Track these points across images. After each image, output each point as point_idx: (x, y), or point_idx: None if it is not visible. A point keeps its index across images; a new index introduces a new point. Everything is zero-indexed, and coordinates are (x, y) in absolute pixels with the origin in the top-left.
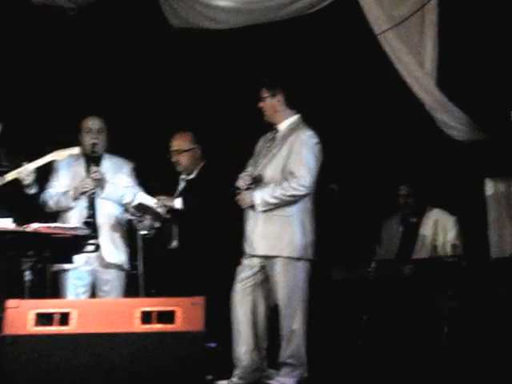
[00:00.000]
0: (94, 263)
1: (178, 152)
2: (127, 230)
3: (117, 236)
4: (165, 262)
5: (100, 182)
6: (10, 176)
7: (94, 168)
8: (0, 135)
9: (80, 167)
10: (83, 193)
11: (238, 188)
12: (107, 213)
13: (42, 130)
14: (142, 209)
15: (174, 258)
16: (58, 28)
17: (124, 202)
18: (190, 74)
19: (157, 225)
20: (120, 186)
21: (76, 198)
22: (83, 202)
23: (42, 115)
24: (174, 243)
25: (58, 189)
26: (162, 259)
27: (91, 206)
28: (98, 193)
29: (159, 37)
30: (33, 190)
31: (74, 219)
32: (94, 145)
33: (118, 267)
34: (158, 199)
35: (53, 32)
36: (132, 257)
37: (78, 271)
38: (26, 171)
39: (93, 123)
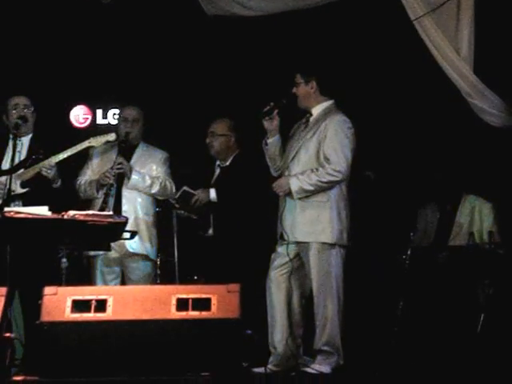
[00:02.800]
0: (120, 252)
1: (213, 135)
2: (156, 220)
3: (142, 226)
4: (201, 250)
5: (123, 175)
6: (31, 170)
7: (118, 159)
8: (36, 124)
9: (113, 155)
10: (103, 185)
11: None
12: (132, 203)
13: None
14: (185, 197)
15: (209, 246)
16: (92, 17)
17: (153, 191)
18: (225, 62)
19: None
20: (148, 175)
21: (98, 190)
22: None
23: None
24: (210, 231)
25: (89, 176)
26: (198, 247)
27: (115, 197)
28: (124, 183)
29: (194, 24)
30: (56, 185)
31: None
32: (127, 134)
33: (144, 257)
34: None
35: (88, 20)
36: (164, 245)
37: (106, 259)
38: (47, 165)
39: (129, 113)
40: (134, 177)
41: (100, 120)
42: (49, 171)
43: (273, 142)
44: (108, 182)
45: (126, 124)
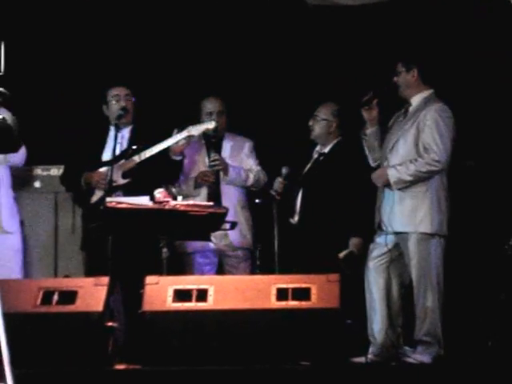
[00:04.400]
0: (219, 243)
1: (315, 118)
2: (251, 212)
3: (242, 220)
4: (287, 238)
5: (221, 170)
6: (151, 151)
7: (213, 156)
8: (136, 114)
9: (201, 150)
10: (202, 184)
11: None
12: (231, 198)
13: (169, 111)
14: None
15: (294, 234)
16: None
17: (248, 184)
18: (325, 52)
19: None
20: (242, 169)
21: (196, 187)
22: (206, 188)
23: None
24: (296, 218)
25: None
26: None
27: (214, 195)
28: (222, 178)
29: (293, 14)
30: (180, 157)
31: None
32: (215, 127)
33: (243, 249)
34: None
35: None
36: (264, 236)
37: (203, 251)
38: (180, 138)
39: (214, 105)
40: (231, 172)
41: None
42: (181, 143)
43: (371, 132)
44: (210, 181)
45: (211, 118)
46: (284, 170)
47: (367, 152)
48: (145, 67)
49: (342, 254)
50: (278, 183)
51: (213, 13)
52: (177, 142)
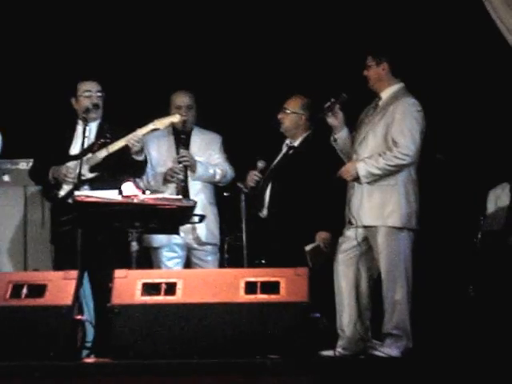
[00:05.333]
0: (188, 238)
1: (284, 111)
2: (219, 208)
3: (210, 215)
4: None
5: (189, 167)
6: (117, 145)
7: (182, 152)
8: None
9: (169, 145)
10: (170, 180)
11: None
12: (199, 193)
13: (141, 105)
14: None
15: (263, 227)
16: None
17: (216, 180)
18: (294, 45)
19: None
20: (210, 164)
21: (165, 183)
22: (174, 184)
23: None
24: (264, 212)
25: (149, 168)
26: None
27: (182, 191)
28: (190, 175)
29: (261, 7)
30: (141, 157)
31: None
32: (184, 122)
33: (211, 244)
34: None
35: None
36: (232, 230)
37: (170, 245)
38: (135, 137)
39: (183, 100)
40: (199, 169)
41: None
42: (136, 143)
43: (341, 136)
44: (179, 178)
45: (182, 112)
46: (260, 164)
47: (341, 155)
48: (114, 61)
49: (308, 247)
50: (252, 176)
51: (182, 8)
52: (140, 138)
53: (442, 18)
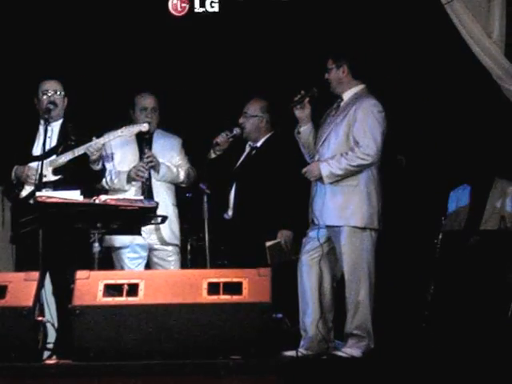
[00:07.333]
0: (149, 239)
1: (245, 115)
2: (180, 208)
3: (172, 216)
4: (222, 232)
5: (154, 167)
6: (78, 151)
7: (147, 152)
8: (66, 109)
9: (133, 146)
10: (134, 179)
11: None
12: (161, 194)
13: (105, 106)
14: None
15: (229, 229)
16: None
17: (179, 180)
18: (259, 45)
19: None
20: (173, 165)
21: (129, 182)
22: (138, 183)
23: (102, 91)
24: (230, 213)
25: (113, 166)
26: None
27: (146, 191)
28: (153, 175)
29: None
30: (98, 166)
31: None
32: (148, 124)
33: (173, 245)
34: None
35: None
36: (194, 230)
37: (132, 246)
38: (95, 146)
39: (148, 102)
40: (162, 169)
41: (198, 8)
42: (95, 152)
43: (305, 130)
44: (144, 176)
45: (146, 114)
46: (235, 131)
47: (302, 150)
48: (77, 62)
49: (268, 243)
50: (223, 137)
51: (143, 10)
52: (99, 148)
53: (401, 20)
